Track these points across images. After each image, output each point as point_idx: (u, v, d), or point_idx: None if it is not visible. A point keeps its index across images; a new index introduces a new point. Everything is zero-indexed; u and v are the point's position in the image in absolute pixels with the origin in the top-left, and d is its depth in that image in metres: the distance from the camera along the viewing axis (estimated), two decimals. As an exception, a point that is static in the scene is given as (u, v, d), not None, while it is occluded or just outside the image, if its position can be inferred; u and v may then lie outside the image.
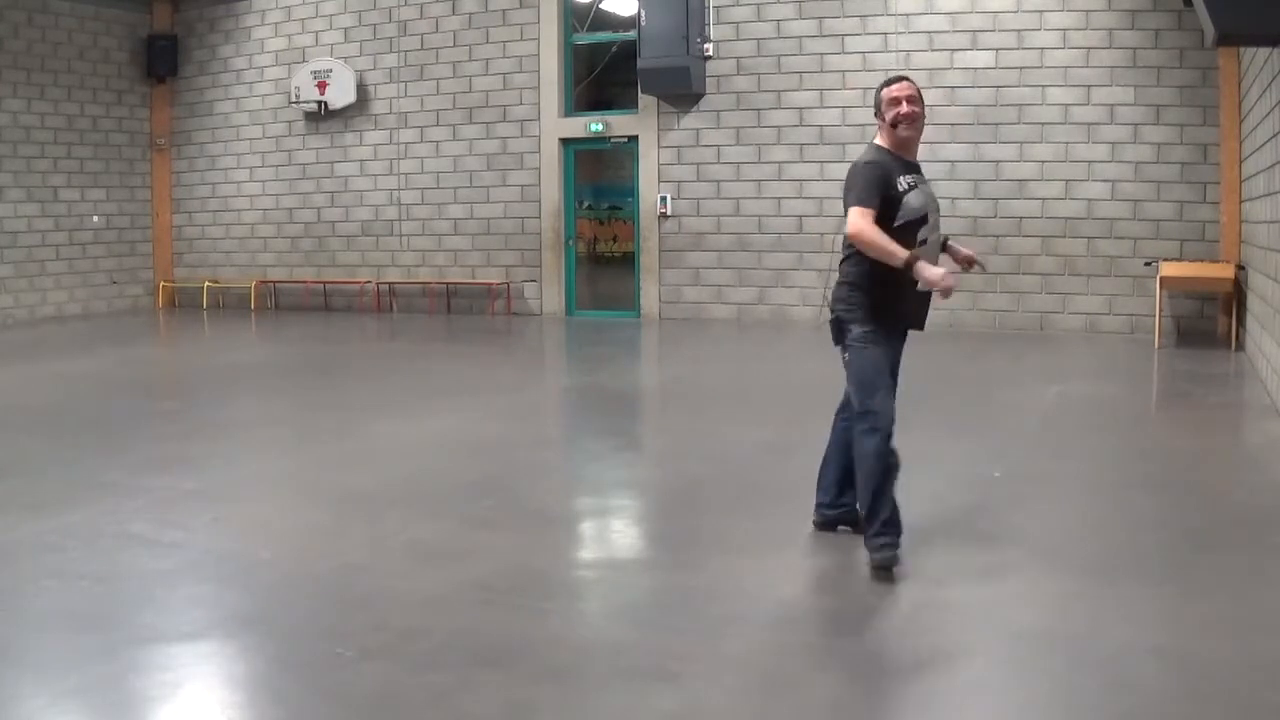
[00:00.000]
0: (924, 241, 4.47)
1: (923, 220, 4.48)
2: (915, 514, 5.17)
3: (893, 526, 4.42)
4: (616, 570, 4.76)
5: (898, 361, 4.65)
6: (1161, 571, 4.45)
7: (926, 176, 4.70)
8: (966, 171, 12.39)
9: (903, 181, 4.44)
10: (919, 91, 4.59)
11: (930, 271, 4.30)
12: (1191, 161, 11.88)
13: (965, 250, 4.83)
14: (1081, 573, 4.39)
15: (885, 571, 4.36)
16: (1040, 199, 12.44)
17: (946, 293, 4.37)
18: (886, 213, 4.38)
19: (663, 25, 13.52)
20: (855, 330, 4.48)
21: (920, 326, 4.66)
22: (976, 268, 4.86)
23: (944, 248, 4.77)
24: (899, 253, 4.28)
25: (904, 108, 4.49)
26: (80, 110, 16.32)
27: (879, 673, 3.57)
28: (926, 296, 4.54)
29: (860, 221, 4.33)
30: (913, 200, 4.44)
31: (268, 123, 16.75)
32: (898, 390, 4.61)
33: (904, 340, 4.69)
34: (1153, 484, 5.93)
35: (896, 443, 4.47)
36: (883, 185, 4.39)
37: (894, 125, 4.50)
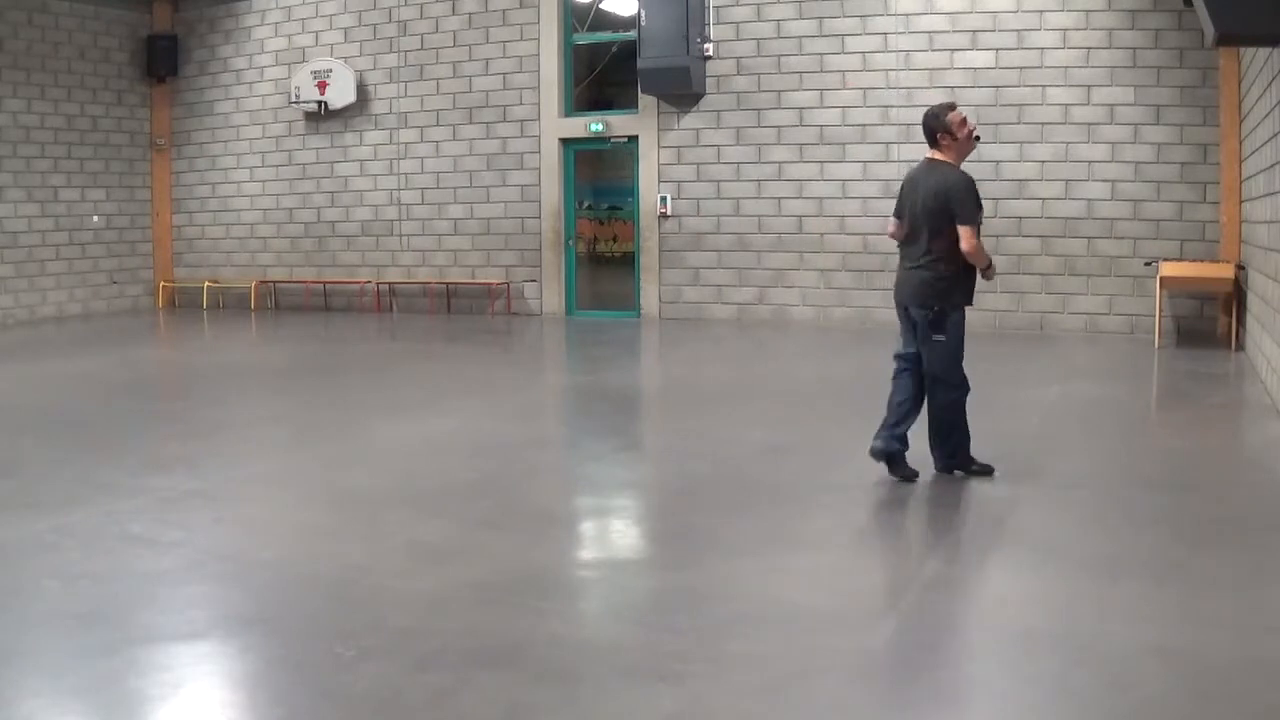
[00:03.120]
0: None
1: None
2: (915, 513, 5.18)
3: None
4: (616, 570, 4.76)
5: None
6: (1162, 571, 4.45)
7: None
8: (966, 171, 12.33)
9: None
10: None
11: (994, 267, 5.65)
12: (1191, 161, 11.88)
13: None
14: (1082, 572, 4.39)
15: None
16: (1040, 199, 12.44)
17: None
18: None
19: (663, 25, 13.52)
20: (954, 315, 5.55)
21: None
22: None
23: None
24: (990, 261, 5.58)
25: (971, 125, 5.66)
26: (80, 110, 16.33)
27: (879, 672, 3.57)
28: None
29: (974, 239, 5.45)
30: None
31: (268, 123, 16.75)
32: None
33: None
34: (1153, 484, 5.93)
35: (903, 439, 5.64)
36: (979, 198, 5.55)
37: (977, 139, 5.71)
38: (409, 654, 3.62)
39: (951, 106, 5.66)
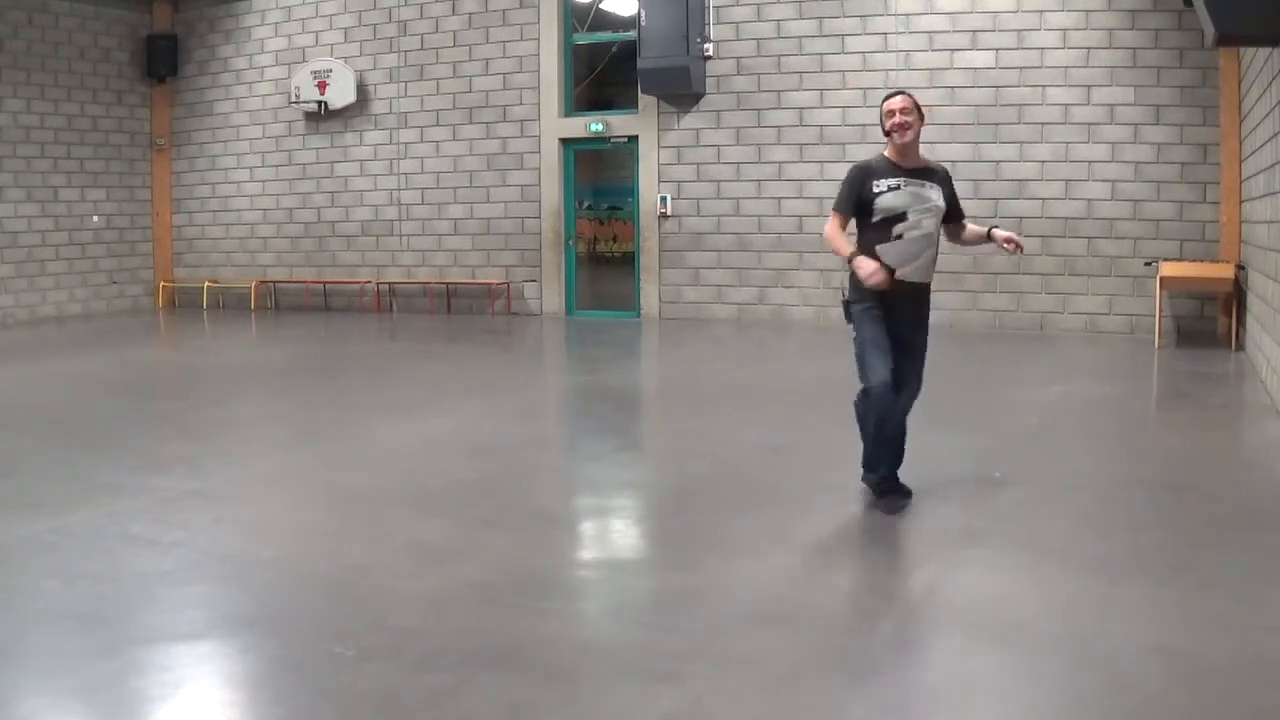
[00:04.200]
0: (899, 236, 5.05)
1: (900, 218, 5.04)
2: (916, 514, 5.18)
3: (877, 467, 5.30)
4: (616, 570, 4.75)
5: (911, 343, 5.24)
6: (1161, 571, 4.45)
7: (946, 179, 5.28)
8: (966, 171, 12.37)
9: (881, 184, 5.05)
10: (914, 104, 5.15)
11: (863, 267, 4.98)
12: (1191, 161, 11.88)
13: (1003, 233, 5.25)
14: (1081, 572, 4.39)
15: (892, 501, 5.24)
16: (1040, 199, 12.44)
17: (876, 285, 4.99)
18: (866, 210, 5.08)
19: (663, 25, 13.52)
20: (856, 308, 5.19)
21: (907, 311, 5.19)
22: (1015, 248, 5.23)
23: (988, 235, 5.29)
24: (843, 250, 5.07)
25: (896, 118, 5.05)
26: (80, 110, 16.33)
27: (879, 673, 3.57)
28: (918, 290, 5.19)
29: (828, 224, 5.18)
30: (887, 200, 5.03)
31: (268, 123, 16.76)
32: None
33: (913, 328, 5.25)
34: (1153, 484, 5.93)
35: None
36: (856, 189, 5.08)
37: (888, 134, 5.10)
38: (409, 654, 3.62)
39: (889, 95, 5.19)
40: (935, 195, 5.12)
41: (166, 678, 3.50)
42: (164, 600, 4.18)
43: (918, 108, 5.12)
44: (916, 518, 5.16)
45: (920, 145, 5.20)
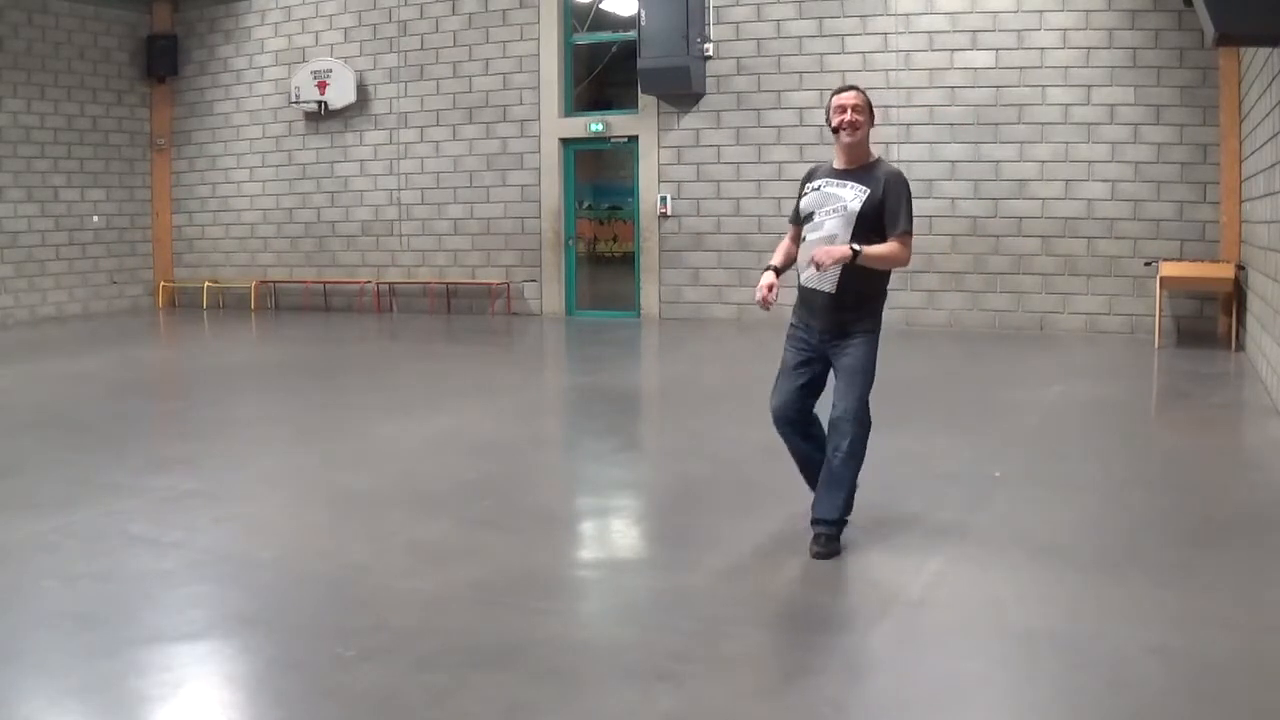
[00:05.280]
0: (804, 239, 4.73)
1: (808, 218, 4.70)
2: (916, 514, 5.18)
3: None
4: (616, 570, 4.76)
5: (838, 364, 4.66)
6: (1162, 571, 4.45)
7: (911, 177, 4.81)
8: (966, 171, 12.37)
9: (808, 186, 4.74)
10: (867, 102, 4.67)
11: (760, 281, 4.69)
12: (1191, 161, 11.88)
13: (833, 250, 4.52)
14: (1082, 572, 4.39)
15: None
16: (1040, 199, 12.44)
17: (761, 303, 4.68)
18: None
19: (663, 25, 13.53)
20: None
21: (819, 325, 4.67)
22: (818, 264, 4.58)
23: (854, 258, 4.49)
24: (769, 263, 4.79)
25: (847, 115, 4.58)
26: (80, 110, 16.33)
27: (879, 673, 3.57)
28: (823, 300, 4.62)
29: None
30: (804, 201, 4.72)
31: (268, 123, 16.76)
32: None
33: (836, 346, 4.65)
34: (1153, 484, 5.93)
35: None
36: (799, 195, 4.80)
37: (835, 131, 4.62)
38: (409, 654, 3.62)
39: (839, 89, 4.70)
40: (850, 195, 4.54)
41: (166, 678, 3.50)
42: (164, 600, 4.18)
43: (869, 106, 4.63)
44: (916, 518, 5.16)
45: (872, 147, 4.69)
